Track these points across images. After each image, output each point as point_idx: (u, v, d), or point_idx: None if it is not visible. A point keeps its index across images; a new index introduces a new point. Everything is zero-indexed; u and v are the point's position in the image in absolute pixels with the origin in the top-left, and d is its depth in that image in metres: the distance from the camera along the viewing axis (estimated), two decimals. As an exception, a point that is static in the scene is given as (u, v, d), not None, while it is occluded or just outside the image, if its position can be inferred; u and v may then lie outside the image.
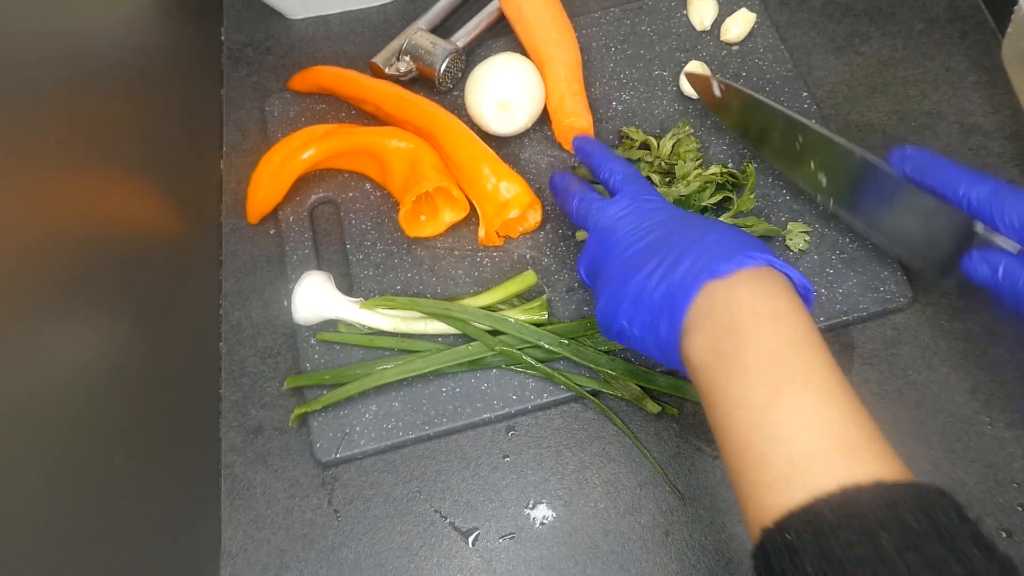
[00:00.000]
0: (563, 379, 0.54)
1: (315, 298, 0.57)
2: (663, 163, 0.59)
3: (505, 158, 0.61)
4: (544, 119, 0.64)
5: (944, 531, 0.31)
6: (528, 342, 0.54)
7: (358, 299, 0.57)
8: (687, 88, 0.64)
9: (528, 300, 0.57)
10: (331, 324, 0.58)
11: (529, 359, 0.54)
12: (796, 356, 0.37)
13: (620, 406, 0.55)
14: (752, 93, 0.58)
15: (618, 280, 0.45)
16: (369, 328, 0.57)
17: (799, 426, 0.35)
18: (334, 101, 0.68)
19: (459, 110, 0.65)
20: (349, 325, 0.57)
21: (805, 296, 0.41)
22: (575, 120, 0.62)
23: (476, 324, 0.55)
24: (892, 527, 0.31)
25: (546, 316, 0.55)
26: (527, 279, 0.56)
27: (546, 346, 0.54)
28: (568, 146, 0.63)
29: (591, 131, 0.62)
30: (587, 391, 0.54)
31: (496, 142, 0.64)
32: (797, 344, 0.37)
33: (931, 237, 0.49)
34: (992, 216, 0.44)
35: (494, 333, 0.55)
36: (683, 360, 0.41)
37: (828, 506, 0.32)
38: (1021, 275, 0.43)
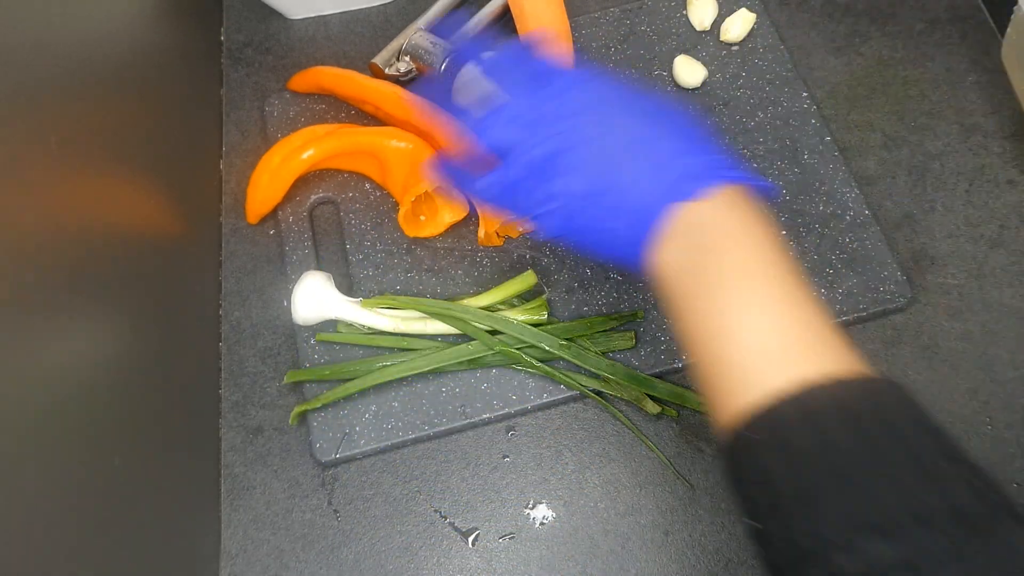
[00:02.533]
0: (564, 378, 0.54)
1: (315, 298, 0.57)
2: None
3: (505, 158, 0.61)
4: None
5: (887, 418, 0.33)
6: (527, 343, 0.54)
7: (358, 299, 0.57)
8: (682, 78, 0.64)
9: (528, 300, 0.57)
10: (331, 324, 0.58)
11: (529, 359, 0.54)
12: (761, 270, 0.38)
13: (619, 407, 0.55)
14: None
15: (565, 172, 0.43)
16: (369, 328, 0.57)
17: (759, 331, 0.37)
18: (334, 101, 0.68)
19: (459, 110, 0.65)
20: (349, 325, 0.57)
21: (770, 194, 0.43)
22: None
23: (476, 324, 0.55)
24: (840, 418, 0.33)
25: (546, 316, 0.55)
26: (527, 279, 0.56)
27: (546, 348, 0.54)
28: None
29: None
30: (587, 391, 0.54)
31: (496, 142, 0.64)
32: (763, 259, 0.39)
33: None
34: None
35: (494, 333, 0.55)
36: (648, 268, 0.42)
37: (783, 403, 0.34)
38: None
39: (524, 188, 0.45)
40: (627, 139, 0.42)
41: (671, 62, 0.65)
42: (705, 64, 0.65)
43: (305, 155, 0.61)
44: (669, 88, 0.65)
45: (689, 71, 0.64)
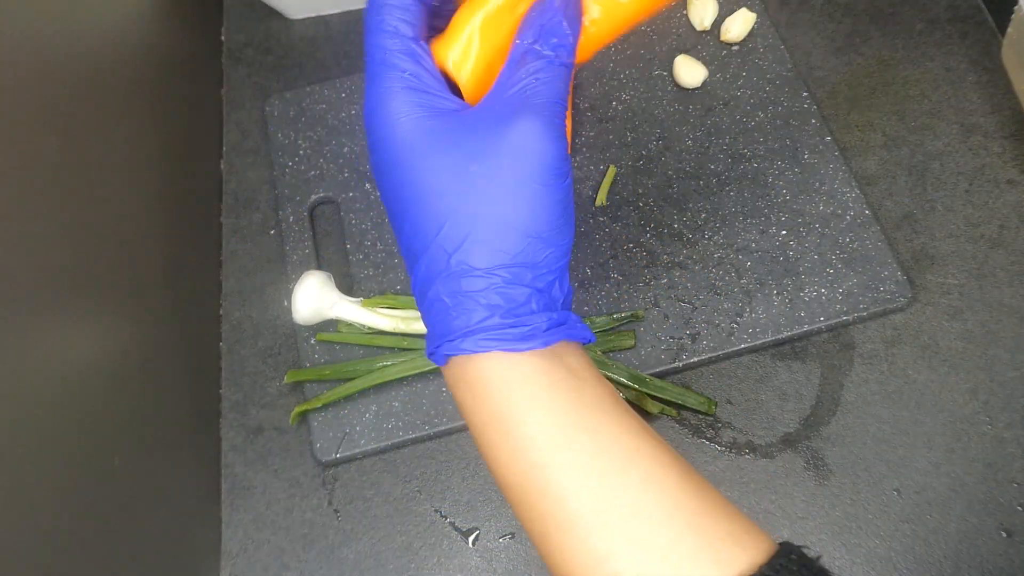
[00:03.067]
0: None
1: (315, 298, 0.57)
2: None
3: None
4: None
5: None
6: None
7: (358, 299, 0.57)
8: (682, 78, 0.64)
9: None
10: (331, 324, 0.58)
11: None
12: (546, 485, 0.30)
13: (620, 406, 0.55)
14: None
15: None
16: (369, 328, 0.57)
17: (641, 546, 0.29)
18: (334, 101, 0.68)
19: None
20: (349, 325, 0.57)
21: (583, 337, 0.34)
22: None
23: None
24: None
25: None
26: None
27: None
28: None
29: (568, 135, 0.62)
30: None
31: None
32: (546, 459, 0.29)
33: None
34: None
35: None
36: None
37: None
38: None
39: None
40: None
41: (671, 62, 0.65)
42: (705, 64, 0.65)
43: None
44: (669, 89, 0.65)
45: (689, 71, 0.64)
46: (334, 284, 0.58)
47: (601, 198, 0.61)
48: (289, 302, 0.58)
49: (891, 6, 0.67)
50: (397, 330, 0.56)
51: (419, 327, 0.56)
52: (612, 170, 0.62)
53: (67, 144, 0.47)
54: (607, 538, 0.29)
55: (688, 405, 0.54)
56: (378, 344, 0.57)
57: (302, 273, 0.58)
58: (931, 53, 0.65)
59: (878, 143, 0.61)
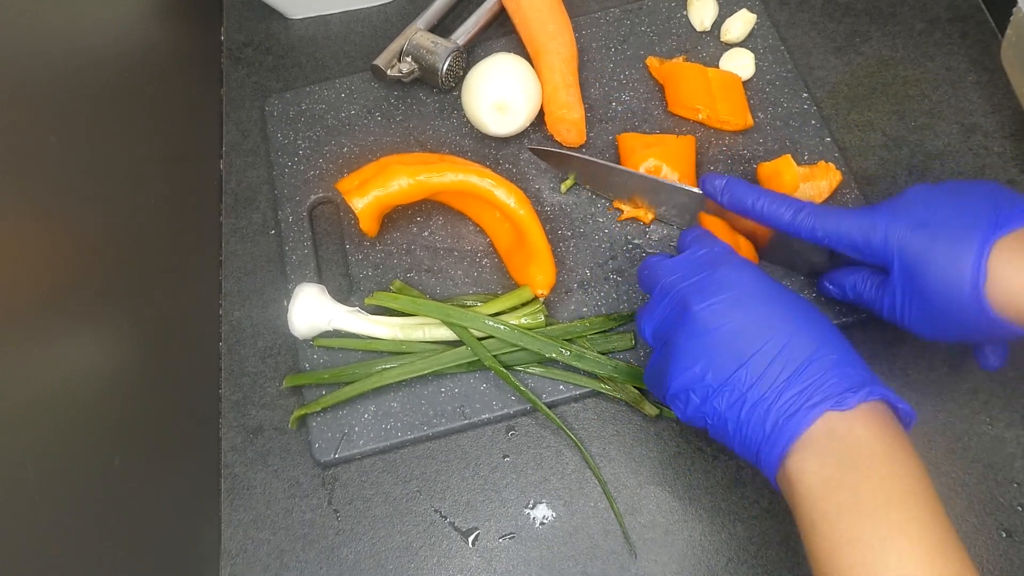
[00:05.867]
0: (564, 375, 0.54)
1: (311, 313, 0.56)
2: None
3: (505, 159, 0.61)
4: (544, 119, 0.64)
5: None
6: (526, 347, 0.54)
7: (355, 307, 0.57)
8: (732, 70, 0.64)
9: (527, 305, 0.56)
10: (330, 334, 0.58)
11: (516, 382, 0.54)
12: (911, 503, 0.37)
13: (620, 408, 0.55)
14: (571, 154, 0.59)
15: (707, 361, 0.42)
16: (368, 336, 0.56)
17: (905, 572, 0.35)
18: (335, 101, 0.68)
19: (460, 110, 0.65)
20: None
21: (908, 422, 0.42)
22: (566, 112, 0.61)
23: (475, 331, 0.55)
24: None
25: (543, 319, 0.55)
26: (523, 294, 0.56)
27: (546, 355, 0.54)
28: (560, 137, 0.63)
29: (583, 124, 0.62)
30: (586, 392, 0.54)
31: (496, 143, 0.64)
32: (911, 490, 0.37)
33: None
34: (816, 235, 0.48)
35: (485, 339, 0.55)
36: (782, 475, 0.40)
37: None
38: (865, 291, 0.49)
39: (662, 353, 0.45)
40: (780, 336, 0.41)
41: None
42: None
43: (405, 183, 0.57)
44: (669, 88, 0.65)
45: (739, 62, 0.64)
46: (328, 295, 0.57)
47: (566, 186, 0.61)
48: (288, 302, 0.58)
49: (891, 6, 0.67)
50: (395, 339, 0.56)
51: (417, 335, 0.56)
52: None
53: (66, 144, 0.47)
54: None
55: None
56: (376, 349, 0.56)
57: (301, 273, 0.58)
58: (931, 53, 0.65)
59: (878, 143, 0.61)
